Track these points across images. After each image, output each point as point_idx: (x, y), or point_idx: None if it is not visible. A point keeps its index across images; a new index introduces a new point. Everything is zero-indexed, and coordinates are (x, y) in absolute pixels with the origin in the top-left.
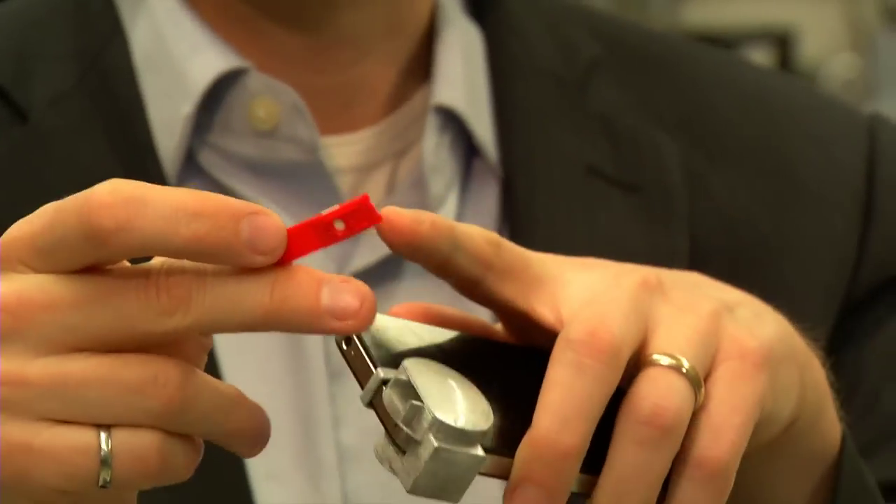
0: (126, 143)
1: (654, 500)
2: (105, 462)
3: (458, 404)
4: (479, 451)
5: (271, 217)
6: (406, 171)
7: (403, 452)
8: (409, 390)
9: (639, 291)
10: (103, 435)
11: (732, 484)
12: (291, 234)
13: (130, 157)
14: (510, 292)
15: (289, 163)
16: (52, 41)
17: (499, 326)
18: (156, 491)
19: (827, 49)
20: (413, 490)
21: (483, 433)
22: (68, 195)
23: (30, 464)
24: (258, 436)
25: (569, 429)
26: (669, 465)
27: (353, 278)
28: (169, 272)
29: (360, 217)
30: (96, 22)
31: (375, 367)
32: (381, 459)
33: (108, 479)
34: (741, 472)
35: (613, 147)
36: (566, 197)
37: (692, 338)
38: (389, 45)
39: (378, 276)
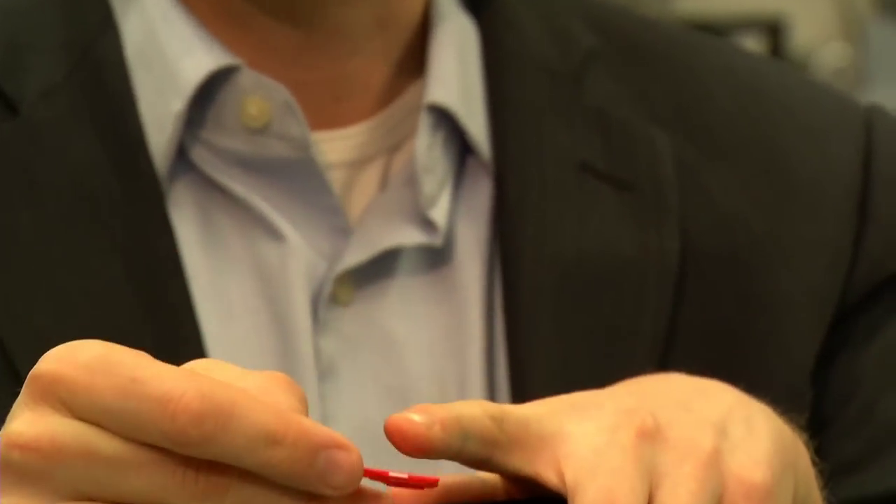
0: (117, 137)
1: None
2: None
3: None
4: None
5: (350, 454)
6: (399, 167)
7: None
8: None
9: (639, 447)
10: None
11: None
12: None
13: (121, 152)
14: (516, 462)
15: (280, 159)
16: (42, 32)
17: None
18: None
19: (818, 38)
20: None
21: None
22: (59, 189)
23: None
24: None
25: None
26: None
27: (385, 494)
28: (212, 464)
29: (425, 485)
30: (87, 13)
31: None
32: None
33: None
34: None
35: (607, 142)
36: (558, 195)
37: (697, 491)
38: (381, 39)
39: (371, 273)
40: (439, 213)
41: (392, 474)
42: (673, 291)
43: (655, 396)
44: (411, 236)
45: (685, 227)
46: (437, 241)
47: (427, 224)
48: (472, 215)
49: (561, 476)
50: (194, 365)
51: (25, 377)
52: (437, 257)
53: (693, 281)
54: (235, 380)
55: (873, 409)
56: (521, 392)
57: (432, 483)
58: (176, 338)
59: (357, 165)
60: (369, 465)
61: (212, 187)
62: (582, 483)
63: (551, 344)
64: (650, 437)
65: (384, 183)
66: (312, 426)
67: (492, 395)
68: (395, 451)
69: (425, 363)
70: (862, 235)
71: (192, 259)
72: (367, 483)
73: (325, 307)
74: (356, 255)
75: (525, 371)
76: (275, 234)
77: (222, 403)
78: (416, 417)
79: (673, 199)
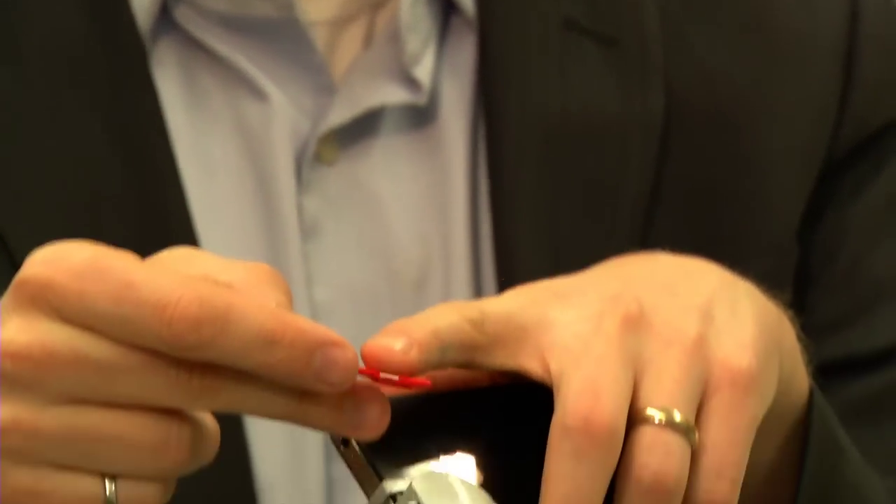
0: None
1: None
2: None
3: None
4: None
5: (346, 352)
6: (383, 24)
7: None
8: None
9: (624, 335)
10: (109, 485)
11: None
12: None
13: (104, 11)
14: (499, 359)
15: (263, 18)
16: None
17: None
18: None
19: None
20: None
21: None
22: (40, 48)
23: None
24: None
25: None
26: None
27: (375, 386)
28: (206, 364)
29: (415, 386)
30: None
31: (381, 479)
32: None
33: None
34: None
35: None
36: (542, 53)
37: (681, 378)
38: None
39: (355, 132)
40: (423, 72)
41: (383, 376)
42: (657, 148)
43: (640, 280)
44: (396, 95)
45: (669, 84)
46: (422, 99)
47: (411, 83)
48: (457, 74)
49: (545, 366)
50: (174, 254)
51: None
52: (421, 116)
53: (677, 138)
54: (219, 272)
55: (859, 266)
56: (505, 249)
57: (423, 385)
58: (160, 197)
59: (340, 23)
60: (350, 324)
61: (195, 47)
62: (567, 372)
63: (536, 201)
64: (635, 324)
65: (368, 41)
66: (308, 325)
67: (476, 253)
68: (378, 312)
69: (409, 223)
70: (847, 92)
71: (174, 118)
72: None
73: (310, 166)
74: (340, 113)
75: (509, 229)
76: (258, 93)
77: (219, 307)
78: (394, 343)
79: (657, 55)
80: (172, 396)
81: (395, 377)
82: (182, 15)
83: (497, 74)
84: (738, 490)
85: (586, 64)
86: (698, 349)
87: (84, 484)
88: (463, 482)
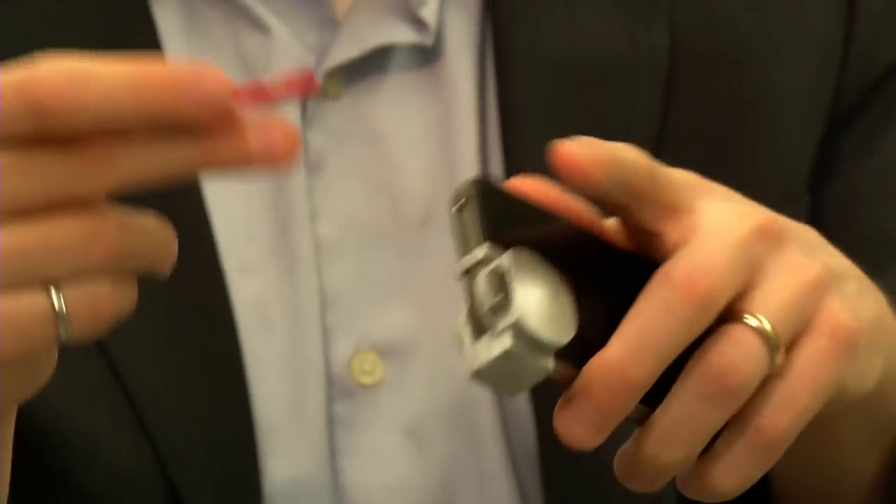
0: None
1: (700, 450)
2: (62, 319)
3: (546, 310)
4: (549, 364)
5: (215, 74)
6: None
7: (478, 336)
8: (505, 280)
9: (755, 237)
10: (55, 293)
11: (781, 455)
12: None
13: None
14: (649, 216)
15: None
16: None
17: (609, 223)
18: None
19: None
20: (473, 376)
21: (559, 346)
22: None
23: None
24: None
25: (639, 362)
26: (725, 422)
27: (277, 119)
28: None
29: (301, 88)
30: None
31: (484, 241)
32: (455, 333)
33: (68, 334)
34: (808, 434)
35: None
36: None
37: (790, 301)
38: None
39: (360, 68)
40: (429, 12)
41: (268, 86)
42: (663, 89)
43: (793, 227)
44: (402, 34)
45: (674, 25)
46: (428, 40)
47: (417, 22)
48: (462, 12)
49: (682, 242)
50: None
51: None
52: (427, 55)
53: (683, 79)
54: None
55: (874, 224)
56: None
57: (312, 86)
58: None
59: None
60: (354, 260)
61: None
62: (692, 242)
63: (546, 138)
64: (770, 236)
65: None
66: (171, 63)
67: None
68: (382, 247)
69: (415, 157)
70: (850, 34)
71: (174, 50)
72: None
73: (314, 101)
74: (346, 49)
75: (520, 166)
76: (259, 25)
77: (75, 69)
78: (586, 153)
79: None
80: (72, 180)
81: (283, 81)
82: None
83: (505, 13)
84: (795, 433)
85: (593, 2)
86: (816, 289)
87: (30, 300)
88: (558, 279)
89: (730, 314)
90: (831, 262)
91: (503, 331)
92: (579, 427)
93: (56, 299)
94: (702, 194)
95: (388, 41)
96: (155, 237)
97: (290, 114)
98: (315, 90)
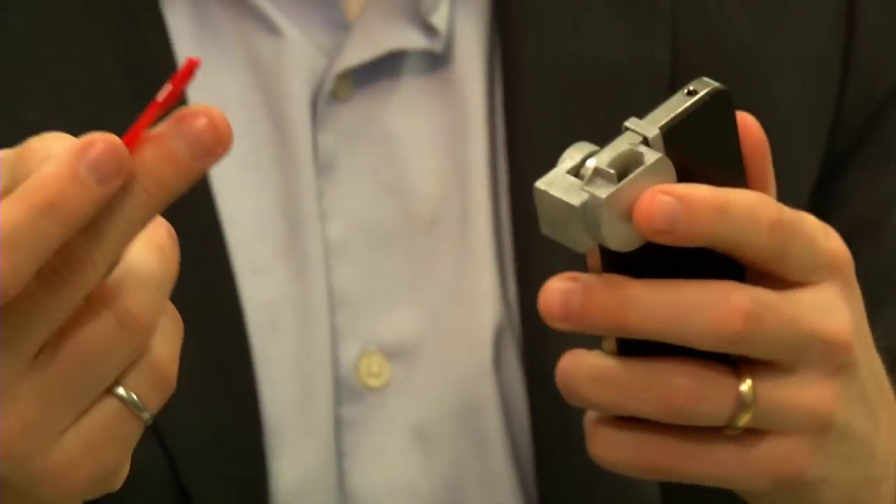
0: None
1: None
2: (137, 406)
3: (627, 217)
4: (586, 247)
5: (104, 143)
6: None
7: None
8: (632, 168)
9: (820, 352)
10: (121, 389)
11: None
12: (131, 136)
13: None
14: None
15: None
16: None
17: None
18: None
19: None
20: (537, 188)
21: (605, 245)
22: None
23: None
24: None
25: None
26: None
27: (187, 110)
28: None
29: (188, 74)
30: None
31: (660, 132)
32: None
33: (148, 415)
34: None
35: None
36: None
37: (792, 411)
38: None
39: (371, 71)
40: (440, 19)
41: (157, 101)
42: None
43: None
44: (413, 40)
45: (676, 37)
46: (438, 46)
47: (427, 28)
48: (472, 18)
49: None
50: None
51: None
52: (437, 60)
53: None
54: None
55: (875, 260)
56: (521, 193)
57: (193, 65)
58: None
59: None
60: (363, 262)
61: None
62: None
63: (551, 145)
64: (834, 361)
65: None
66: (55, 154)
67: (494, 194)
68: (391, 249)
69: (424, 159)
70: (851, 50)
71: (185, 52)
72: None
73: (325, 103)
74: (358, 53)
75: (526, 172)
76: (271, 27)
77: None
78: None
79: (665, 6)
80: (69, 301)
81: (164, 93)
82: None
83: (513, 21)
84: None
85: (597, 11)
86: (814, 429)
87: (103, 407)
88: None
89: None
90: (856, 413)
91: (587, 192)
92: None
93: (125, 393)
94: (831, 275)
95: (399, 46)
96: (163, 267)
97: (300, 117)
98: (196, 65)
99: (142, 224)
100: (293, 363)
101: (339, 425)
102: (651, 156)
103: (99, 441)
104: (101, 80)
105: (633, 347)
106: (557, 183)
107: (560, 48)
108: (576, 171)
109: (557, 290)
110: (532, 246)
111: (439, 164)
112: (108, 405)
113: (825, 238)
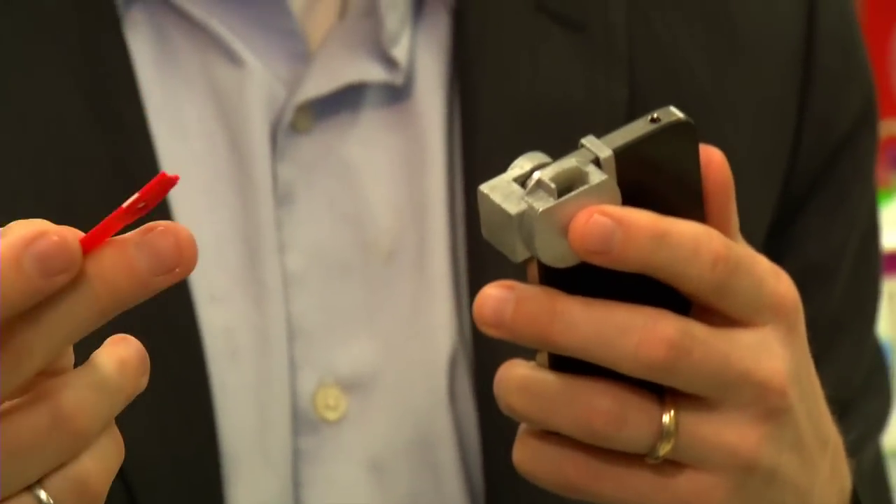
0: None
1: None
2: None
3: (563, 237)
4: (521, 257)
5: (56, 237)
6: None
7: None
8: (576, 186)
9: (752, 397)
10: (41, 492)
11: None
12: (94, 235)
13: None
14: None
15: None
16: None
17: None
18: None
19: None
20: (480, 192)
21: (539, 259)
22: (10, 7)
23: None
24: None
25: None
26: None
27: (157, 225)
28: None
29: (161, 190)
30: None
31: (613, 153)
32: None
33: None
34: None
35: None
36: (515, 34)
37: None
38: None
39: (331, 103)
40: (401, 51)
41: (123, 207)
42: None
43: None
44: (374, 72)
45: (634, 76)
46: (399, 79)
47: (388, 61)
48: (432, 52)
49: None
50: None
51: None
52: (397, 93)
53: None
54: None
55: (826, 304)
56: (476, 227)
57: (165, 181)
58: (131, 156)
59: None
60: (321, 292)
61: (169, 9)
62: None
63: None
64: (767, 408)
65: (343, 12)
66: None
67: (452, 227)
68: (349, 280)
69: (383, 191)
70: (808, 94)
71: (146, 79)
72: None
73: (285, 134)
74: (317, 84)
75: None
76: (232, 57)
77: None
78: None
79: (622, 45)
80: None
81: (128, 202)
82: None
83: (473, 54)
84: None
85: (555, 48)
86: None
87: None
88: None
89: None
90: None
91: (526, 203)
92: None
93: (44, 497)
94: (776, 318)
95: (360, 79)
96: (117, 380)
97: (260, 148)
98: (171, 182)
99: (88, 325)
100: (251, 392)
101: (296, 456)
102: (596, 176)
103: None
104: (62, 103)
105: (566, 364)
106: (501, 189)
107: (517, 84)
108: (522, 180)
109: (492, 297)
110: (487, 279)
111: (398, 197)
112: (25, 502)
113: (775, 281)
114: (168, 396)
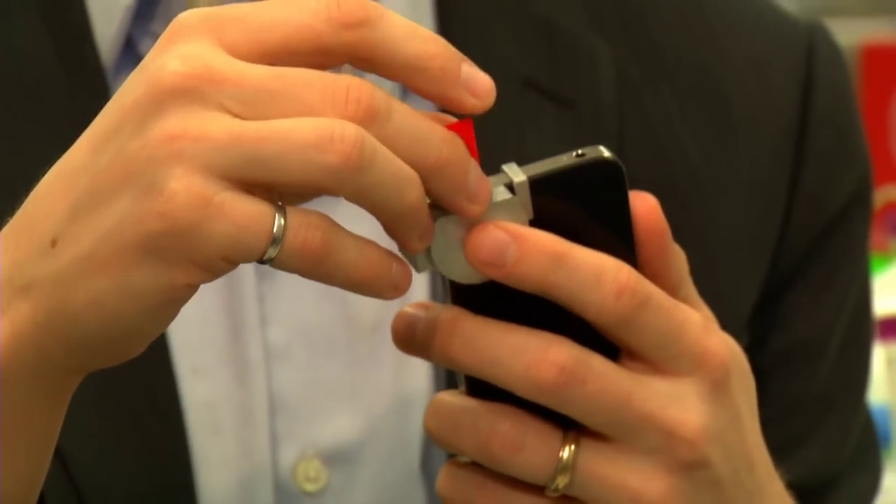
0: (62, 27)
1: None
2: (276, 239)
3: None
4: (417, 268)
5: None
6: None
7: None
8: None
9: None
10: (280, 214)
11: None
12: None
13: (66, 42)
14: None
15: None
16: None
17: None
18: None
19: None
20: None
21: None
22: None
23: (205, 217)
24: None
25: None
26: None
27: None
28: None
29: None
30: None
31: (527, 180)
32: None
33: (274, 255)
34: None
35: (552, 55)
36: (502, 112)
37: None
38: None
39: None
40: None
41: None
42: None
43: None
44: None
45: (623, 153)
46: None
47: None
48: None
49: None
50: None
51: None
52: None
53: None
54: None
55: (812, 383)
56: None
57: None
58: None
59: None
60: (304, 366)
61: None
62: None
63: None
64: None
65: None
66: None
67: (433, 298)
68: (333, 354)
69: None
70: (799, 173)
71: None
72: None
73: None
74: None
75: None
76: None
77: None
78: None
79: (612, 123)
80: (326, 106)
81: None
82: (146, 49)
83: None
84: None
85: (543, 126)
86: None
87: (256, 205)
88: None
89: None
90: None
91: (432, 214)
92: None
93: (278, 216)
94: (698, 371)
95: None
96: (400, 174)
97: None
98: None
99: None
100: (233, 466)
101: None
102: (502, 194)
103: (220, 209)
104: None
105: (483, 391)
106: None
107: (503, 160)
108: None
109: (406, 315)
110: None
111: None
112: (260, 207)
113: (702, 333)
114: (150, 470)
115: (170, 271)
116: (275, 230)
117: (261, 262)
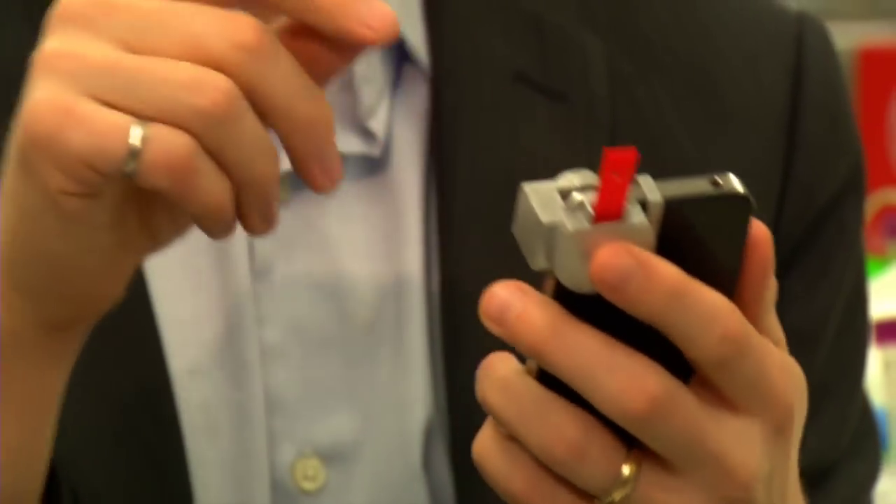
0: None
1: None
2: (133, 152)
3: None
4: (540, 266)
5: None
6: None
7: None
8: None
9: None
10: (140, 126)
11: None
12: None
13: None
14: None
15: None
16: None
17: None
18: (74, 384)
19: None
20: (521, 191)
21: (558, 279)
22: None
23: (64, 125)
24: (269, 213)
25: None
26: None
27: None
28: None
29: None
30: None
31: (665, 201)
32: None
33: (134, 168)
34: None
35: (542, 50)
36: (493, 107)
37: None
38: None
39: None
40: (378, 124)
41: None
42: None
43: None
44: (350, 144)
45: (615, 145)
46: (376, 150)
47: (366, 133)
48: (410, 123)
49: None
50: None
51: None
52: (374, 165)
53: None
54: None
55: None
56: (452, 306)
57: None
58: None
59: None
60: (300, 366)
61: None
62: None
63: (482, 251)
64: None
65: None
66: None
67: (429, 299)
68: (328, 353)
69: (361, 263)
70: (791, 162)
71: None
72: None
73: None
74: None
75: (456, 281)
76: None
77: None
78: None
79: (604, 115)
80: (214, 38)
81: None
82: None
83: (450, 127)
84: None
85: (535, 120)
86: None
87: (116, 117)
88: None
89: None
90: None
91: (560, 217)
92: None
93: (138, 129)
94: (767, 412)
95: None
96: (262, 141)
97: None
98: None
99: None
100: (230, 466)
101: None
102: (637, 216)
103: (79, 118)
104: None
105: (552, 382)
106: (542, 194)
107: (495, 154)
108: (566, 192)
109: (499, 295)
110: (461, 351)
111: (376, 269)
112: (119, 117)
113: (780, 375)
114: (145, 471)
115: (40, 178)
116: (131, 140)
117: (126, 175)
